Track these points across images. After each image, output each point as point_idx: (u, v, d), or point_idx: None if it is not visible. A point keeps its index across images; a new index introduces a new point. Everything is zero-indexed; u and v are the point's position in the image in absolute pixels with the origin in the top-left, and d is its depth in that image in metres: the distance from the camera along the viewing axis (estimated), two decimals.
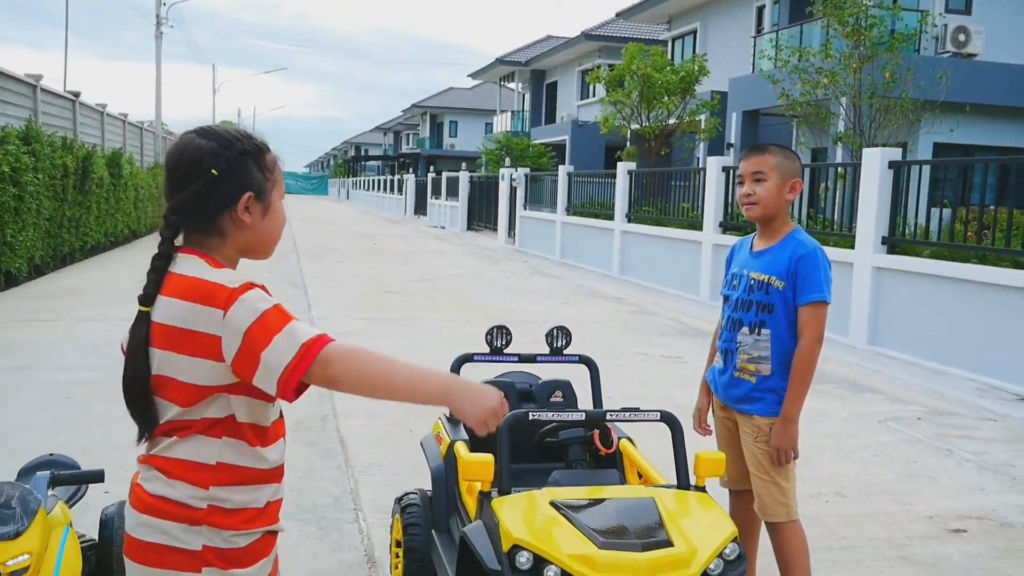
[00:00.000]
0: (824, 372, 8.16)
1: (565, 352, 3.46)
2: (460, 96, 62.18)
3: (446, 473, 3.09)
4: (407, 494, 3.32)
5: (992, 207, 8.90)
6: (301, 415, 5.91)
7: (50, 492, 2.75)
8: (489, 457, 2.55)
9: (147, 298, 1.79)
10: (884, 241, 9.17)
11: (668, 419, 2.69)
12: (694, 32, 26.31)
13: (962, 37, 17.54)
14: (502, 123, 43.65)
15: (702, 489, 2.66)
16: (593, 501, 2.52)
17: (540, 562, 2.28)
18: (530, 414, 2.61)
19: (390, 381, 1.72)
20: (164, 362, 1.77)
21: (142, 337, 1.77)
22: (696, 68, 18.11)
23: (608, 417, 2.67)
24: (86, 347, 8.02)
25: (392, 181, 49.85)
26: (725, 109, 21.09)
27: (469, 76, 47.99)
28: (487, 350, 3.45)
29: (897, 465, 5.42)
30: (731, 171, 12.51)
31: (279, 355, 1.67)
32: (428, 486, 3.91)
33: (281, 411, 1.93)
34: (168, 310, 1.76)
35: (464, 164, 34.65)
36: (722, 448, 3.25)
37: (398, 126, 76.63)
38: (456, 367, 3.45)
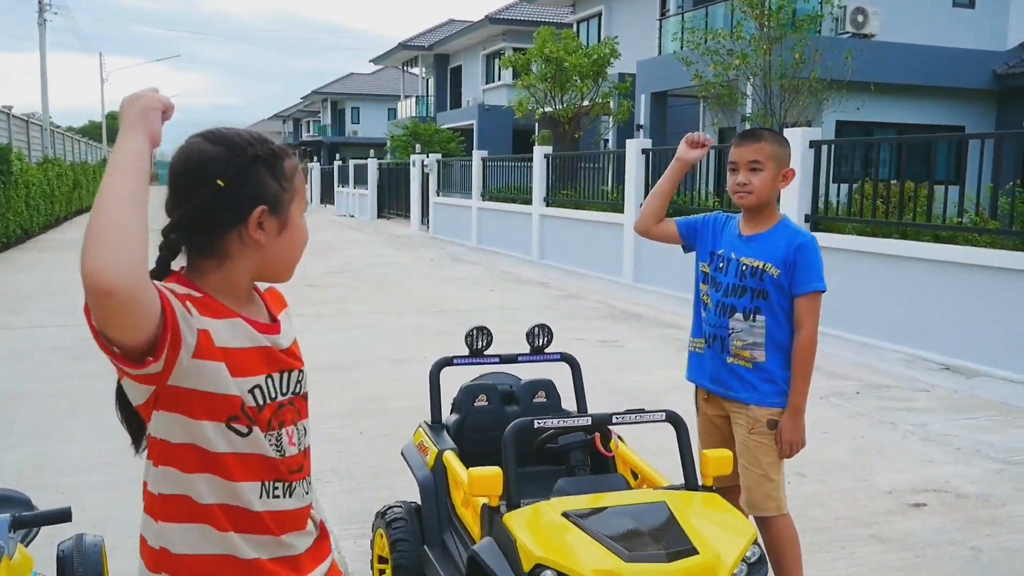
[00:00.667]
0: None
1: (546, 351, 3.35)
2: (361, 82, 61.17)
3: (436, 484, 2.95)
4: (390, 507, 3.16)
5: (894, 181, 9.17)
6: None
7: (10, 535, 2.51)
8: (497, 471, 2.43)
9: None
10: (807, 219, 9.35)
11: (673, 419, 2.62)
12: (599, 15, 26.41)
13: (860, 18, 18.04)
14: (406, 108, 43.12)
15: (711, 489, 2.60)
16: (604, 509, 2.43)
17: None
18: (535, 422, 2.49)
19: (112, 194, 1.34)
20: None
21: None
22: (608, 51, 18.15)
23: (614, 420, 2.58)
24: None
25: None
26: (634, 91, 21.25)
27: (371, 61, 47.17)
28: (465, 352, 3.31)
29: (847, 441, 5.51)
30: (649, 153, 12.59)
31: None
32: (401, 495, 3.77)
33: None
34: None
35: (372, 151, 34.12)
36: (707, 444, 3.15)
37: (298, 113, 75.00)
38: (436, 372, 3.31)
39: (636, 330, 9.49)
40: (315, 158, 54.29)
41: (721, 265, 3.09)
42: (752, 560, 2.34)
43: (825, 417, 6.01)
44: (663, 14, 22.67)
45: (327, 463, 4.92)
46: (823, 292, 2.97)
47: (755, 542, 2.38)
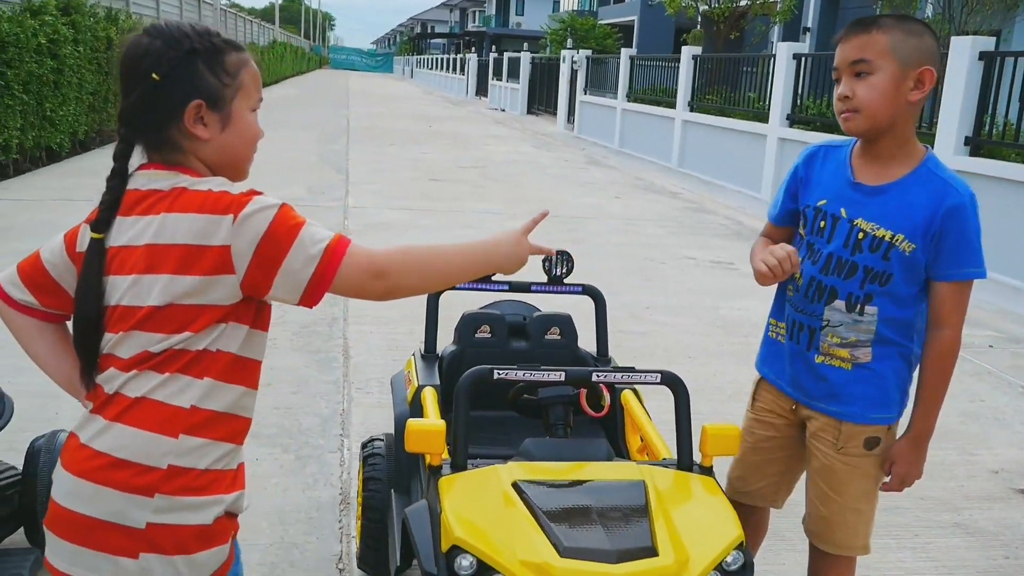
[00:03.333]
0: None
1: (566, 281, 2.90)
2: None
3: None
4: (373, 440, 2.85)
5: None
6: (312, 316, 5.50)
7: None
8: (441, 425, 2.06)
9: (102, 223, 1.55)
10: (967, 142, 8.25)
11: (671, 381, 2.15)
12: None
13: None
14: (569, 2, 41.80)
15: (708, 471, 2.14)
16: (568, 483, 2.03)
17: (484, 568, 1.82)
18: (495, 372, 2.09)
19: (447, 271, 1.66)
20: (143, 287, 1.51)
21: (95, 269, 1.54)
22: None
23: (595, 377, 2.15)
24: None
25: (455, 60, 48.50)
26: None
27: None
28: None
29: (962, 403, 4.81)
30: (803, 58, 11.49)
31: (301, 263, 1.49)
32: None
33: None
34: (159, 228, 1.51)
35: (526, 45, 33.36)
36: (754, 455, 2.38)
37: (464, 3, 74.43)
38: (434, 298, 2.95)
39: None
40: (474, 49, 53.81)
41: (823, 225, 2.17)
42: (732, 568, 1.90)
43: None
44: None
45: (374, 372, 4.70)
46: (972, 281, 2.11)
47: (739, 546, 1.93)
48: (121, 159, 1.57)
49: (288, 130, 16.95)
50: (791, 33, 19.95)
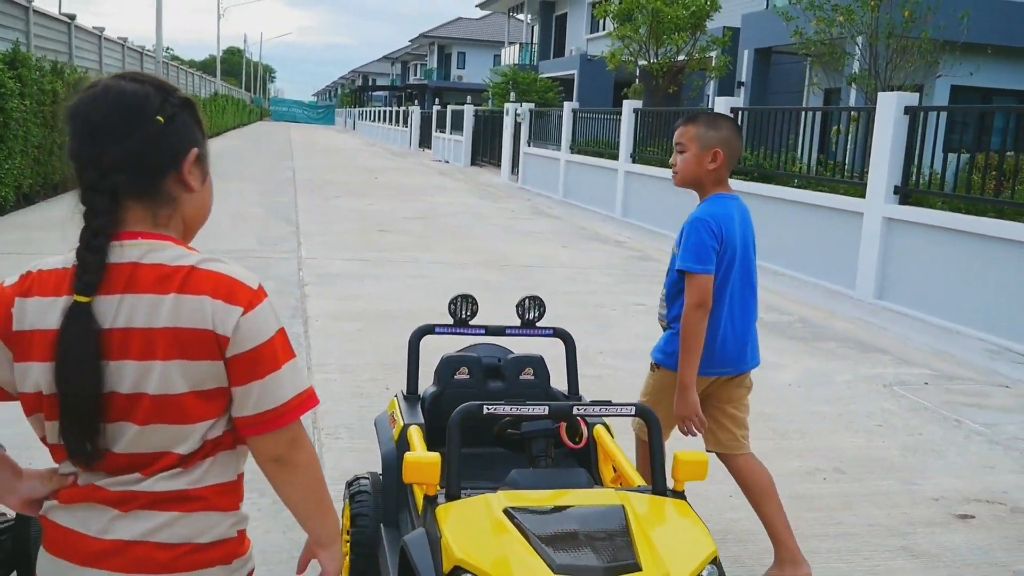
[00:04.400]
0: (828, 328, 7.83)
1: (538, 325, 3.10)
2: (469, 27, 60.87)
3: (398, 460, 2.76)
4: (358, 479, 2.99)
5: (1011, 154, 8.42)
6: None
7: None
8: (436, 457, 2.22)
9: (88, 285, 1.41)
10: (896, 191, 8.73)
11: (644, 413, 2.35)
12: None
13: None
14: (510, 55, 42.69)
15: (681, 495, 2.33)
16: (553, 509, 2.19)
17: None
18: (484, 408, 2.26)
19: (320, 500, 1.63)
20: (158, 377, 1.42)
21: (88, 338, 1.39)
22: (707, 3, 17.38)
23: (576, 411, 2.33)
24: None
25: (397, 113, 48.98)
26: (737, 46, 20.38)
27: (478, 6, 46.81)
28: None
29: (902, 436, 5.10)
30: (740, 112, 12.00)
31: (286, 384, 1.49)
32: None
33: None
34: (163, 310, 1.42)
35: (469, 97, 33.91)
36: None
37: (406, 56, 75.32)
38: (416, 340, 3.11)
39: None
40: (416, 101, 54.41)
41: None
42: None
43: (883, 408, 5.59)
44: None
45: (342, 418, 4.81)
46: (691, 273, 2.99)
47: (714, 561, 2.11)
48: (106, 214, 1.44)
49: (233, 182, 16.99)
50: (726, 87, 20.71)
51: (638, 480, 2.57)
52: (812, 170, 10.84)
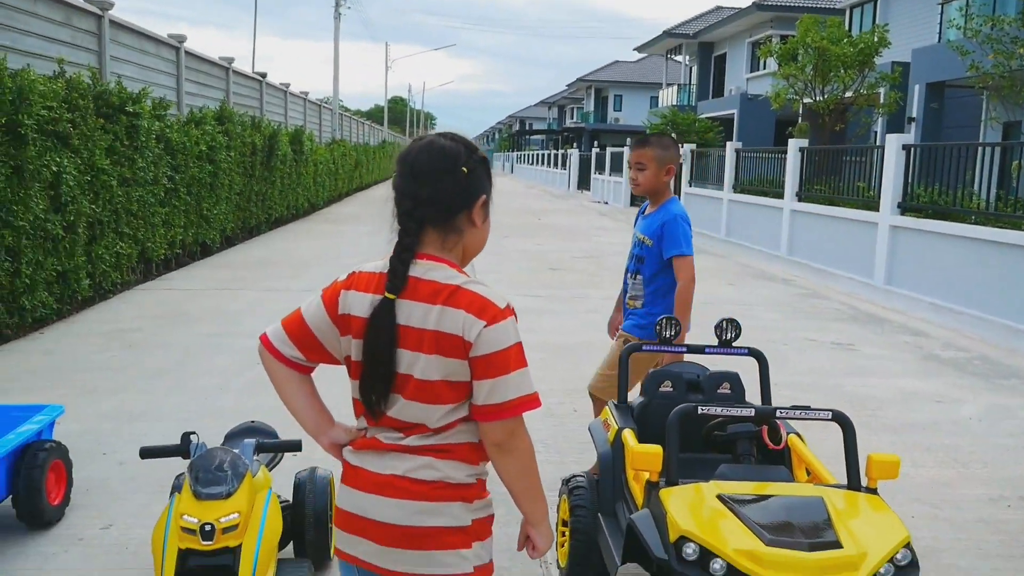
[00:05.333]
0: (1010, 366, 7.71)
1: (734, 344, 3.47)
2: (625, 69, 61.56)
3: (613, 459, 3.18)
4: (574, 476, 3.44)
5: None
6: None
7: (255, 458, 3.04)
8: (658, 448, 2.62)
9: (396, 287, 1.90)
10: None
11: (840, 418, 2.67)
12: (875, 0, 24.97)
13: None
14: (668, 97, 42.96)
15: (873, 491, 2.63)
16: (760, 497, 2.55)
17: (706, 555, 2.34)
18: (699, 408, 2.65)
19: (532, 484, 2.05)
20: (422, 365, 1.90)
21: (389, 327, 1.90)
22: (876, 39, 17.21)
23: (778, 414, 2.68)
24: (272, 316, 8.59)
25: (556, 155, 50.03)
26: (906, 81, 19.95)
27: (635, 49, 47.40)
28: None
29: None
30: (911, 149, 11.89)
31: (512, 386, 1.90)
32: (592, 468, 4.03)
33: None
34: (432, 316, 1.89)
35: (629, 140, 34.36)
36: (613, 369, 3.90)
37: (562, 100, 76.73)
38: (625, 356, 3.52)
39: (876, 335, 9.08)
40: (575, 144, 55.34)
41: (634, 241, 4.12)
42: (902, 564, 2.37)
43: None
44: None
45: (539, 435, 5.28)
46: (686, 256, 3.88)
47: (907, 545, 2.40)
48: (414, 235, 1.93)
49: None
50: (896, 123, 20.28)
51: (832, 479, 2.88)
52: (991, 206, 10.64)
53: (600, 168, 34.97)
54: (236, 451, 2.87)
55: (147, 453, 3.02)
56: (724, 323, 3.44)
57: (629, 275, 4.11)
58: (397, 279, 1.91)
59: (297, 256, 13.73)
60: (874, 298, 11.47)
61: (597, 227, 21.39)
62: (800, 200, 15.23)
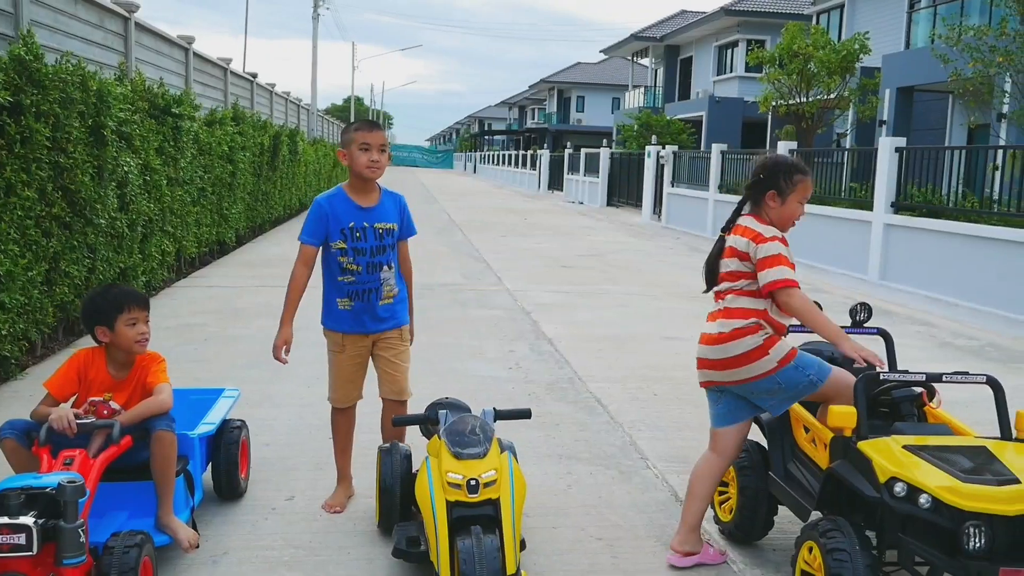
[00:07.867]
0: (1021, 351, 8.42)
1: (865, 325, 4.03)
2: (588, 71, 62.42)
3: (781, 426, 3.72)
4: None
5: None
6: (551, 377, 6.68)
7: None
8: (853, 409, 3.17)
9: (727, 228, 3.70)
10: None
11: (992, 382, 3.25)
12: (841, 6, 25.94)
13: None
14: (634, 99, 43.80)
15: (1022, 442, 3.21)
16: (939, 447, 3.11)
17: (913, 491, 2.89)
18: (881, 375, 3.21)
19: (817, 323, 3.49)
20: (729, 263, 3.60)
21: (718, 247, 3.71)
22: (857, 46, 18.07)
23: (944, 379, 3.24)
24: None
25: (524, 156, 50.64)
26: (877, 86, 20.89)
27: (602, 52, 48.22)
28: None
29: None
30: (903, 152, 12.63)
31: (769, 275, 3.45)
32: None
33: None
34: (737, 240, 3.56)
35: (604, 141, 35.10)
36: (350, 380, 4.19)
37: (523, 100, 77.43)
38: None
39: (888, 325, 9.73)
40: (542, 145, 55.98)
41: (359, 235, 3.98)
42: None
43: None
44: (912, 6, 22.07)
45: (633, 416, 5.81)
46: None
47: None
48: (742, 204, 3.71)
49: None
50: (866, 127, 21.21)
51: (973, 433, 3.45)
52: (956, 202, 11.47)
53: (574, 169, 35.64)
54: (481, 418, 3.34)
55: (399, 422, 3.48)
56: (858, 307, 4.00)
57: (386, 267, 4.14)
58: (729, 224, 3.78)
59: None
60: (868, 292, 12.20)
61: (583, 226, 21.99)
62: None
